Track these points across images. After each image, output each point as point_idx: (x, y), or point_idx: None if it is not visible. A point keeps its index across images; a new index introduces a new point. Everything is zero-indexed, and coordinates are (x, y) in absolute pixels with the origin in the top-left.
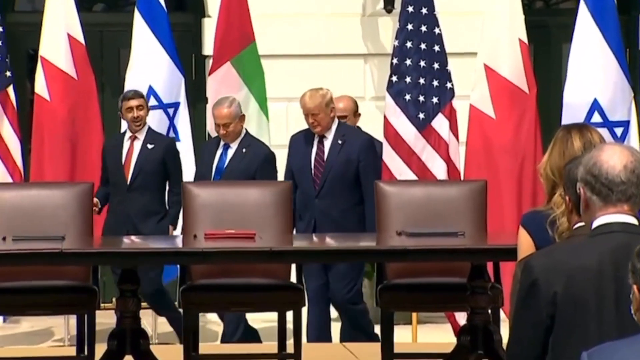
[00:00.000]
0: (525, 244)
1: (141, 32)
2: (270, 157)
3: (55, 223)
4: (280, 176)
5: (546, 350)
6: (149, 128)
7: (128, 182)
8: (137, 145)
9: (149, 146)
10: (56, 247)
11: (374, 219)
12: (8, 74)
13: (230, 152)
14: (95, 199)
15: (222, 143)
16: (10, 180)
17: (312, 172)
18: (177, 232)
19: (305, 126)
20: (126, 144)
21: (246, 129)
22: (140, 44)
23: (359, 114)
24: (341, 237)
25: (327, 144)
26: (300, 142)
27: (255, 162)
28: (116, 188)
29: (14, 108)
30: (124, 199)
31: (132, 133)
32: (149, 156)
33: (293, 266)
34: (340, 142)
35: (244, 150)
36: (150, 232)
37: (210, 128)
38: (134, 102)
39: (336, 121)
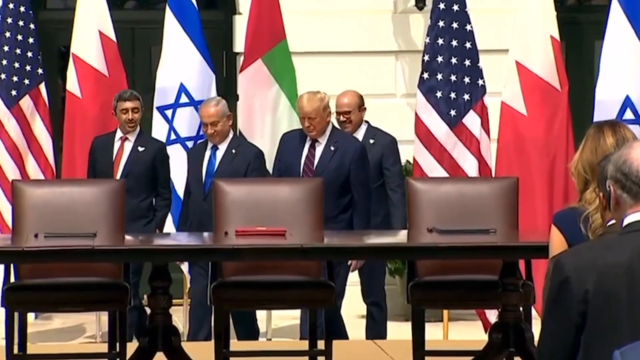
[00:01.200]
0: (557, 242)
1: (172, 29)
2: (261, 157)
3: (86, 220)
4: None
5: (577, 349)
6: (141, 130)
7: None
8: (128, 146)
9: (140, 149)
10: (88, 244)
11: (363, 227)
12: (40, 71)
13: (219, 154)
14: None
15: (209, 145)
16: (42, 177)
17: (300, 175)
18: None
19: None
20: (116, 144)
21: (234, 131)
22: (172, 41)
23: (364, 108)
24: (373, 234)
25: (320, 149)
26: (292, 141)
27: (245, 163)
28: None
29: (46, 105)
30: None
31: (123, 134)
32: (139, 159)
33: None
34: (332, 148)
35: (233, 151)
36: None
37: (241, 125)
38: (129, 104)
39: (330, 125)
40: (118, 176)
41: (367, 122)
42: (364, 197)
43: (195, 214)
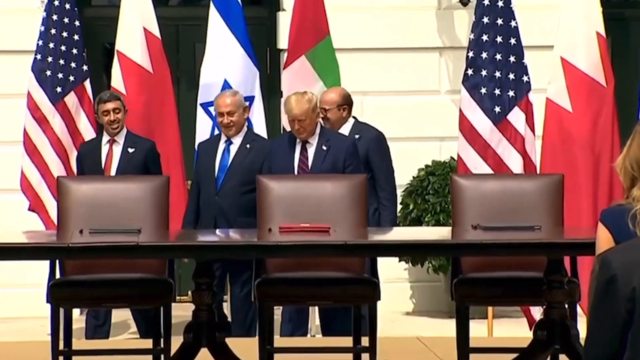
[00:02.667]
0: (603, 239)
1: (216, 26)
2: None
3: (131, 216)
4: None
5: (625, 346)
6: (128, 131)
7: None
8: (117, 149)
9: (130, 150)
10: (132, 240)
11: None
12: (85, 68)
13: (234, 148)
14: None
15: (223, 139)
16: None
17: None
18: None
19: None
20: (104, 149)
21: (247, 126)
22: (216, 37)
23: (345, 108)
24: (416, 230)
25: (311, 150)
26: (282, 146)
27: (260, 157)
28: None
29: (91, 102)
30: None
31: (110, 137)
32: (131, 161)
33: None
34: (325, 147)
35: (248, 145)
36: None
37: (285, 122)
38: (109, 105)
39: (319, 125)
40: None
41: (354, 117)
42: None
43: (208, 211)
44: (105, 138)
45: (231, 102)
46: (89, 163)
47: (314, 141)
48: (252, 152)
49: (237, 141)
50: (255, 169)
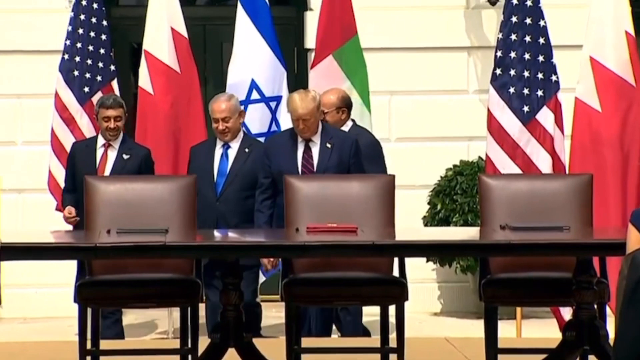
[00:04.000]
0: (634, 240)
1: (244, 25)
2: None
3: (158, 216)
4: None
5: None
6: (124, 136)
7: None
8: (112, 154)
9: (125, 156)
10: (160, 240)
11: None
12: (112, 67)
13: (232, 153)
14: (70, 208)
15: (220, 144)
16: None
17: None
18: None
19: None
20: (99, 152)
21: (244, 130)
22: (243, 37)
23: (344, 110)
24: (443, 231)
25: (316, 148)
26: (283, 146)
27: (259, 162)
28: None
29: None
30: None
31: (106, 141)
32: (125, 167)
33: (395, 260)
34: (329, 145)
35: (246, 150)
36: None
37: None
38: (112, 113)
39: (320, 123)
40: None
41: (352, 120)
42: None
43: (207, 216)
44: (101, 141)
45: (226, 107)
46: (81, 165)
47: (317, 139)
48: (251, 156)
49: (235, 145)
50: (255, 174)
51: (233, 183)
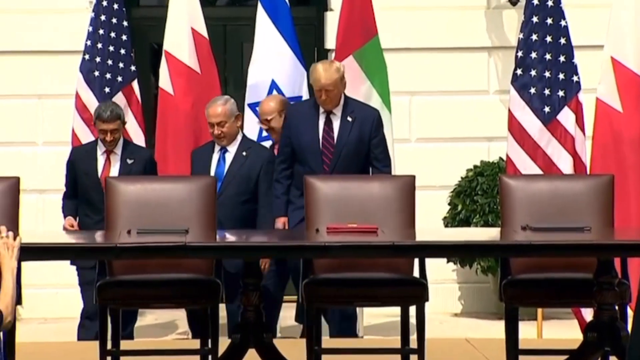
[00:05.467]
0: None
1: (264, 26)
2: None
3: (178, 216)
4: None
5: None
6: (124, 140)
7: None
8: (115, 160)
9: (129, 161)
10: (180, 240)
11: None
12: (133, 68)
13: (229, 157)
14: (71, 220)
15: (217, 147)
16: None
17: (320, 151)
18: None
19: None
20: (101, 159)
21: (243, 133)
22: (263, 38)
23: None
24: (464, 231)
25: (337, 122)
26: (304, 117)
27: (257, 167)
28: (92, 207)
29: (139, 102)
30: (102, 220)
31: (106, 148)
32: (131, 172)
33: (416, 260)
34: (350, 119)
35: (244, 153)
36: None
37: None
38: (108, 126)
39: (343, 96)
40: None
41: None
42: (387, 166)
43: None
44: (102, 148)
45: (222, 111)
46: (83, 171)
47: (338, 112)
48: (249, 160)
49: (232, 149)
50: (253, 178)
51: (229, 187)
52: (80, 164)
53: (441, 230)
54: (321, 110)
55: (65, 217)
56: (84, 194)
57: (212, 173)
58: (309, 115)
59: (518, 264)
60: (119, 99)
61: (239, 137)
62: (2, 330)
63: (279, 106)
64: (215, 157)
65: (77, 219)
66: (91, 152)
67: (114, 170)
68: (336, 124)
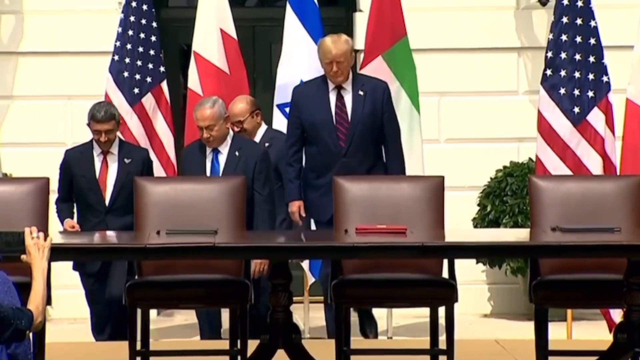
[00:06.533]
0: None
1: (293, 26)
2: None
3: (208, 217)
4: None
5: None
6: (120, 141)
7: (107, 204)
8: (112, 160)
9: (126, 161)
10: (209, 241)
11: (401, 169)
12: (162, 69)
13: (222, 158)
14: (71, 222)
15: (209, 149)
16: (163, 174)
17: (334, 127)
18: None
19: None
20: (97, 159)
21: (233, 132)
22: (292, 38)
23: (257, 113)
24: (493, 232)
25: (348, 97)
26: (314, 94)
27: (251, 165)
28: (91, 209)
29: (168, 103)
30: (101, 222)
31: (101, 150)
32: (130, 172)
33: (445, 261)
34: (361, 93)
35: (237, 153)
36: None
37: None
38: (102, 127)
39: (350, 70)
40: (109, 194)
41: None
42: (398, 141)
43: None
44: (98, 149)
45: (210, 115)
46: (79, 172)
47: (348, 87)
48: (242, 159)
49: (224, 150)
50: (249, 177)
51: None
52: (76, 167)
53: (470, 231)
54: (331, 86)
55: (62, 220)
56: (81, 196)
57: (208, 174)
58: (319, 92)
59: (548, 264)
60: (148, 99)
61: (229, 138)
62: (33, 330)
63: (250, 107)
64: (209, 159)
65: (75, 221)
66: (86, 154)
67: (112, 172)
68: (348, 99)
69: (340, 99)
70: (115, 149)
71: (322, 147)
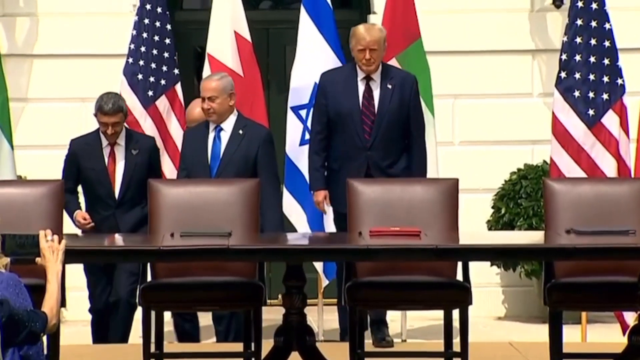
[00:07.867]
0: None
1: (307, 29)
2: (271, 140)
3: (222, 219)
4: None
5: None
6: (127, 131)
7: (117, 197)
8: (120, 152)
9: (134, 152)
10: (223, 243)
11: (422, 164)
12: (176, 71)
13: (225, 136)
14: (83, 213)
15: (212, 126)
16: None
17: (360, 119)
18: None
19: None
20: (106, 150)
21: (238, 111)
22: (306, 41)
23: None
24: (507, 235)
25: (376, 88)
26: (343, 83)
27: (255, 146)
28: (100, 202)
29: (182, 105)
30: (111, 215)
31: (108, 142)
32: (137, 164)
33: (459, 264)
34: (390, 86)
35: (240, 132)
36: None
37: None
38: (110, 119)
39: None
40: (118, 185)
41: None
42: (422, 136)
43: None
44: (105, 141)
45: (215, 86)
46: (87, 164)
47: (377, 78)
48: (246, 139)
49: (227, 127)
50: (251, 157)
51: (227, 168)
52: (84, 158)
53: (485, 234)
54: (360, 76)
55: (70, 212)
56: (90, 189)
57: (209, 153)
58: (348, 81)
59: (562, 267)
60: (162, 102)
61: (234, 116)
62: (47, 333)
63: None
64: (211, 136)
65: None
66: (94, 146)
67: (120, 165)
68: (376, 91)
69: (368, 90)
70: (122, 140)
71: (347, 138)
